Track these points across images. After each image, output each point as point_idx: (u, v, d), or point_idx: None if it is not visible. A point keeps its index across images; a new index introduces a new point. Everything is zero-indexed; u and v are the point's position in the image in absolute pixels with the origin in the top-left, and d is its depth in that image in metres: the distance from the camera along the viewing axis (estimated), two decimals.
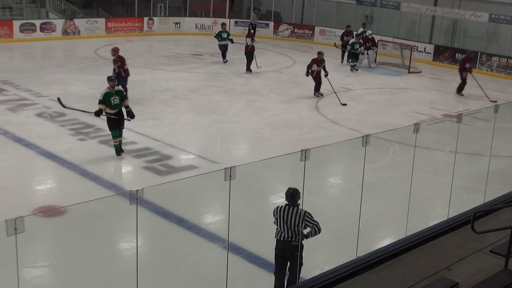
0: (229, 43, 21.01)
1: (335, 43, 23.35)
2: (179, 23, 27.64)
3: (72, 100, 14.89)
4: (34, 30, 23.42)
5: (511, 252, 5.92)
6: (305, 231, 6.40)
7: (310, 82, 18.98)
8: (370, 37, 21.95)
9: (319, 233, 6.39)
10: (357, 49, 21.28)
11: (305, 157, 5.96)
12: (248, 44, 19.75)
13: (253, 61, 19.97)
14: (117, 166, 11.06)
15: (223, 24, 21.67)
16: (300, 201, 6.40)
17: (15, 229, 4.27)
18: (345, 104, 15.79)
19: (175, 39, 26.39)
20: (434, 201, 9.94)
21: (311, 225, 6.36)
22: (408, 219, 8.01)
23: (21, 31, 23.10)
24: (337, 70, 21.26)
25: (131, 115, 11.28)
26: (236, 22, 28.31)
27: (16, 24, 23.12)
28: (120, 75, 14.25)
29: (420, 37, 25.00)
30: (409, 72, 21.36)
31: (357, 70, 21.24)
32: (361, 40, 21.61)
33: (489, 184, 9.10)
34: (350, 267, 6.48)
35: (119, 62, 14.42)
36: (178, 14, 28.53)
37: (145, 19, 26.63)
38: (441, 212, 8.56)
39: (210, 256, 7.80)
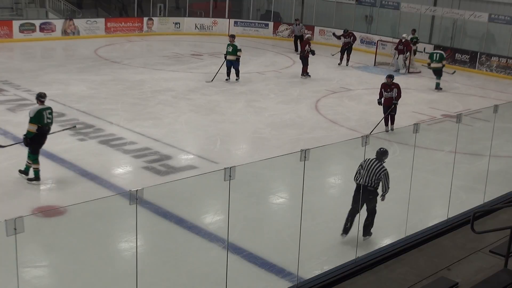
0: (235, 58, 17.75)
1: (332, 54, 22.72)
2: (179, 23, 27.64)
3: (72, 100, 14.92)
4: (33, 30, 23.41)
5: (510, 252, 5.92)
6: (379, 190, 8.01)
7: (310, 82, 19.00)
8: (403, 40, 21.22)
9: (387, 191, 7.98)
10: (415, 43, 21.52)
11: (305, 157, 5.97)
12: (306, 49, 19.09)
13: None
14: (117, 166, 11.06)
15: (231, 36, 18.32)
16: (386, 160, 8.06)
17: (15, 229, 4.27)
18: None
19: (174, 39, 26.38)
20: (433, 201, 9.95)
21: (384, 181, 7.94)
22: (408, 219, 8.02)
23: (21, 31, 23.08)
24: (336, 70, 21.29)
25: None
26: (236, 22, 28.32)
27: (16, 24, 23.10)
28: None
29: (420, 37, 24.99)
30: (408, 72, 21.35)
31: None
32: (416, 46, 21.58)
33: (489, 184, 9.11)
34: (350, 267, 6.50)
35: None
36: (178, 14, 28.53)
37: (145, 19, 26.62)
38: (441, 212, 8.56)
39: (210, 256, 7.80)
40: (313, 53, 19.19)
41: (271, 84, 18.35)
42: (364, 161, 7.87)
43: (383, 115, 14.08)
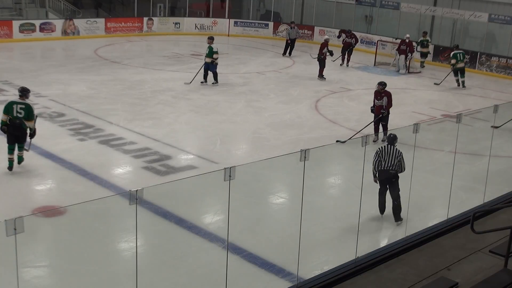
0: (211, 61, 17.19)
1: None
2: (179, 23, 27.64)
3: (72, 100, 14.92)
4: (33, 30, 23.41)
5: (510, 252, 5.93)
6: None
7: (310, 82, 19.01)
8: (407, 40, 21.17)
9: (403, 171, 8.73)
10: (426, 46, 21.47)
11: (305, 157, 5.97)
12: (324, 52, 19.07)
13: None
14: (117, 166, 11.06)
15: (208, 38, 17.85)
16: (396, 144, 8.82)
17: (15, 229, 4.27)
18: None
19: (174, 39, 26.39)
20: (433, 201, 9.95)
21: (402, 163, 8.74)
22: (408, 219, 8.03)
23: (21, 31, 23.09)
24: (336, 70, 21.29)
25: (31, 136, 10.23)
26: (235, 22, 28.33)
27: (16, 24, 23.10)
28: None
29: (420, 37, 24.98)
30: (408, 72, 21.36)
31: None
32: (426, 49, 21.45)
33: (489, 184, 9.11)
34: (350, 267, 6.50)
35: None
36: (178, 14, 28.53)
37: (145, 19, 26.63)
38: (441, 212, 8.56)
39: (210, 256, 7.80)
40: (331, 53, 19.32)
41: (271, 84, 18.35)
42: (379, 149, 8.81)
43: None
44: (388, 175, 8.70)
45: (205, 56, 17.29)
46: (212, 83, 17.34)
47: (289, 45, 23.52)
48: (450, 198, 8.28)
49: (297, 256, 6.47)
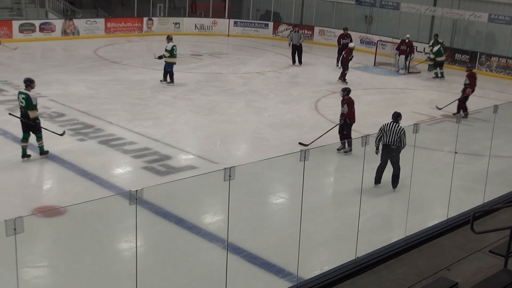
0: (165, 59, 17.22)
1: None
2: (179, 23, 27.65)
3: (71, 100, 14.92)
4: (33, 30, 23.41)
5: (510, 252, 5.92)
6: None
7: (309, 82, 19.01)
8: (406, 40, 21.19)
9: (404, 147, 9.61)
10: (442, 54, 20.95)
11: (305, 157, 5.97)
12: (350, 58, 18.89)
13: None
14: (117, 166, 11.06)
15: (167, 38, 17.79)
16: (400, 121, 9.74)
17: (15, 229, 4.27)
18: None
19: (174, 39, 26.27)
20: (433, 201, 9.95)
21: (403, 139, 9.55)
22: (408, 219, 8.02)
23: (21, 31, 23.09)
24: (336, 71, 21.28)
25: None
26: (235, 23, 28.33)
27: (16, 24, 23.11)
28: None
29: (420, 37, 25.01)
30: (408, 72, 21.35)
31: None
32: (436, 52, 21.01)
33: (489, 184, 9.11)
34: (349, 267, 6.50)
35: None
36: (178, 14, 28.53)
37: (145, 19, 26.64)
38: (441, 212, 8.56)
39: (210, 256, 7.80)
40: (351, 58, 19.16)
41: (271, 84, 18.35)
42: (384, 125, 9.78)
43: (382, 116, 14.01)
44: (389, 150, 9.66)
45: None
46: (167, 83, 17.24)
47: (295, 52, 21.70)
48: (450, 198, 8.28)
49: (297, 256, 6.47)
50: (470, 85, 15.55)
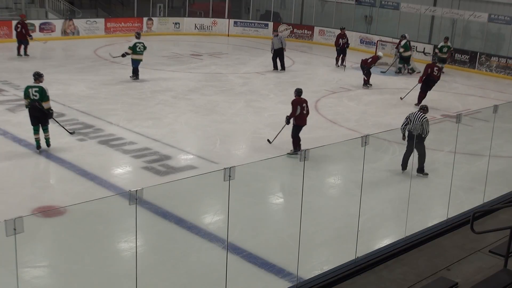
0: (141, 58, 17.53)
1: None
2: (178, 23, 27.65)
3: (71, 100, 14.92)
4: (33, 30, 23.37)
5: (510, 252, 5.93)
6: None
7: (309, 82, 19.01)
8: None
9: (427, 135, 10.50)
10: (445, 52, 21.03)
11: (305, 157, 5.96)
12: (368, 58, 18.64)
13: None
14: (117, 166, 11.06)
15: (138, 34, 18.19)
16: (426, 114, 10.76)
17: (14, 229, 4.27)
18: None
19: (174, 39, 26.39)
20: (433, 201, 9.95)
21: (426, 127, 10.40)
22: (408, 219, 8.01)
23: None
24: (335, 71, 21.29)
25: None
26: (235, 23, 28.33)
27: (16, 24, 23.06)
28: None
29: (420, 37, 25.02)
30: (408, 72, 21.35)
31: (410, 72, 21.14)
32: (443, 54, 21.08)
33: (488, 184, 9.11)
34: (349, 267, 6.50)
35: None
36: (178, 14, 28.53)
37: (145, 19, 26.63)
38: (441, 212, 8.56)
39: (210, 256, 7.80)
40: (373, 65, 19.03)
41: (271, 84, 18.34)
42: (410, 114, 10.82)
43: (382, 116, 14.07)
44: (412, 137, 10.50)
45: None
46: (133, 78, 17.52)
47: (276, 57, 20.33)
48: (450, 198, 8.28)
49: (297, 256, 6.47)
50: (423, 74, 16.33)
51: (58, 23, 24.24)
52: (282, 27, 28.13)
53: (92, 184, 9.84)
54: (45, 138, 11.22)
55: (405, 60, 21.14)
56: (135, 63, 17.47)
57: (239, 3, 31.63)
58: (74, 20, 24.62)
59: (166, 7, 28.21)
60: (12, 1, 25.15)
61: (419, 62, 22.68)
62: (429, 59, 23.56)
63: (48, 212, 8.55)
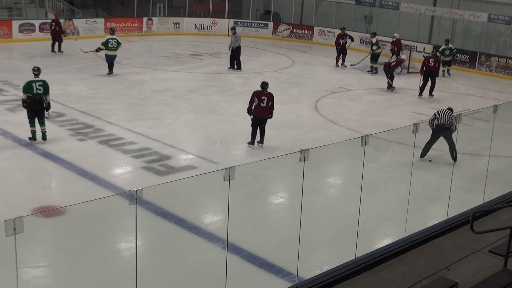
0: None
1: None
2: (178, 23, 27.64)
3: (71, 100, 14.92)
4: (33, 30, 23.40)
5: (510, 252, 5.93)
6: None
7: (309, 82, 19.01)
8: (394, 39, 21.41)
9: (455, 130, 11.20)
10: (448, 55, 20.77)
11: (304, 157, 5.96)
12: (391, 61, 18.71)
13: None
14: (117, 166, 11.06)
15: (112, 30, 18.59)
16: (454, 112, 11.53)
17: (14, 229, 4.27)
18: None
19: (174, 39, 26.38)
20: (433, 201, 9.95)
21: (454, 122, 11.17)
22: (407, 219, 8.01)
23: (20, 31, 23.08)
24: (336, 71, 21.29)
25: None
26: (235, 23, 28.31)
27: (15, 24, 23.09)
28: None
29: (419, 37, 25.01)
30: (408, 72, 21.36)
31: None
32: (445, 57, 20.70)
33: (488, 184, 9.11)
34: (349, 267, 6.49)
35: None
36: (177, 14, 28.53)
37: (144, 19, 26.63)
38: (440, 212, 8.56)
39: (209, 256, 7.80)
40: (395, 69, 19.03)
41: (271, 84, 18.22)
42: (439, 110, 11.66)
43: (380, 114, 14.07)
44: (441, 127, 11.29)
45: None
46: (107, 74, 17.92)
47: (233, 56, 20.03)
48: (449, 198, 8.28)
49: (297, 256, 6.47)
50: (421, 66, 17.72)
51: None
52: (282, 27, 28.15)
53: (92, 184, 9.84)
54: (42, 132, 11.49)
55: (375, 58, 20.93)
56: (109, 59, 17.89)
57: (239, 3, 31.62)
58: (74, 20, 24.60)
59: (166, 7, 28.21)
60: (12, 1, 25.13)
61: (419, 62, 22.66)
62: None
63: (48, 212, 8.55)
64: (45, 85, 11.45)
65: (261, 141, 12.07)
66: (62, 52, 21.33)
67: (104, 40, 17.84)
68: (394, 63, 18.48)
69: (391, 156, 11.94)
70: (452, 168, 8.86)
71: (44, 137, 11.52)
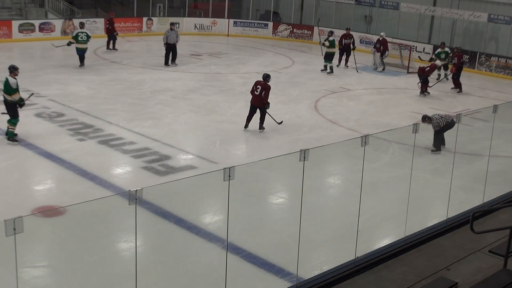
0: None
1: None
2: (178, 23, 27.60)
3: (71, 100, 14.92)
4: (33, 30, 23.40)
5: (510, 252, 5.93)
6: None
7: (309, 82, 19.01)
8: (380, 38, 21.61)
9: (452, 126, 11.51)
10: (444, 58, 20.38)
11: (304, 157, 5.96)
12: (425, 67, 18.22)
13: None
14: (116, 166, 11.06)
15: (81, 24, 19.44)
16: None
17: (14, 229, 4.27)
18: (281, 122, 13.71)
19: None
20: (433, 201, 9.95)
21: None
22: (407, 219, 8.01)
23: (20, 31, 23.09)
24: (335, 70, 21.27)
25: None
26: (235, 22, 28.32)
27: (15, 24, 23.10)
28: None
29: (419, 37, 25.02)
30: (408, 72, 21.37)
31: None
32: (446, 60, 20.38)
33: (488, 184, 9.11)
34: (349, 267, 6.49)
35: None
36: (177, 14, 28.52)
37: (144, 19, 26.63)
38: (440, 212, 8.56)
39: (209, 256, 7.80)
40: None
41: (271, 84, 18.29)
42: (440, 118, 12.20)
43: (380, 114, 14.06)
44: (449, 125, 11.79)
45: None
46: (79, 66, 18.73)
47: (170, 52, 20.06)
48: (449, 198, 8.28)
49: (297, 256, 6.47)
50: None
51: (58, 23, 24.24)
52: (282, 27, 28.15)
53: (92, 184, 9.84)
54: (8, 129, 11.61)
55: (330, 58, 20.47)
56: (79, 52, 18.66)
57: (239, 3, 31.62)
58: (73, 20, 24.60)
59: (166, 7, 28.20)
60: (12, 1, 25.13)
61: (419, 62, 22.69)
62: (428, 59, 23.56)
63: (48, 212, 8.55)
64: (5, 84, 11.49)
65: (260, 127, 13.18)
66: (116, 49, 22.16)
67: (74, 34, 18.79)
68: (428, 68, 17.99)
69: (391, 156, 11.94)
70: (452, 168, 8.84)
71: (7, 133, 11.58)
